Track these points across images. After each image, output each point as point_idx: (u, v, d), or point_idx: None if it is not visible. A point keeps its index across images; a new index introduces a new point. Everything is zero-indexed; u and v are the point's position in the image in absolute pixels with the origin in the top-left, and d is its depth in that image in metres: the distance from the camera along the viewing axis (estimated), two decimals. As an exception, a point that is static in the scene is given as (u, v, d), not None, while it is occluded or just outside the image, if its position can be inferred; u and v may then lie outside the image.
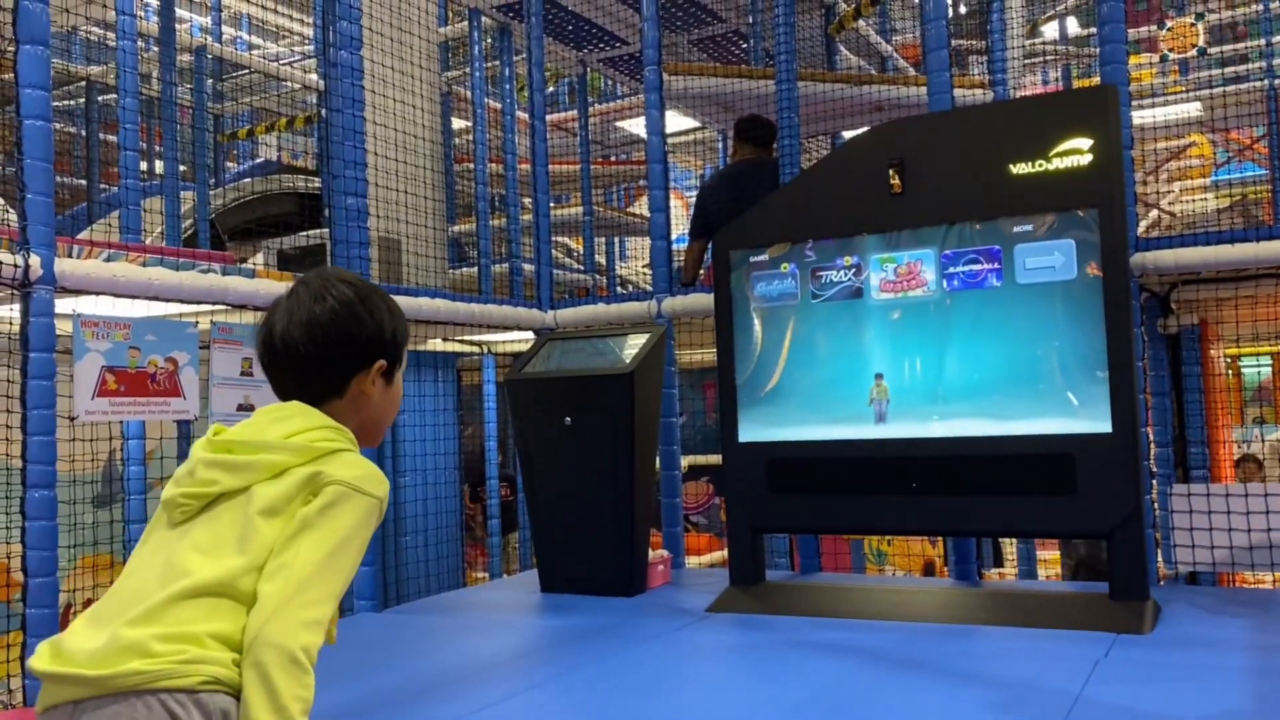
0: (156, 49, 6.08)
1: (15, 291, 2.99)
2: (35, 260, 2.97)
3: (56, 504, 3.01)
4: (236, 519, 1.52)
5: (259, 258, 6.23)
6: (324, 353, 1.64)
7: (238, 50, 8.47)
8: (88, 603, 5.03)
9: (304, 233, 6.14)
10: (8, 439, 3.27)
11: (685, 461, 6.07)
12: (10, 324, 3.20)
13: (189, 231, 5.91)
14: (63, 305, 3.15)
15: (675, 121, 6.82)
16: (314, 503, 1.52)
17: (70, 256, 3.14)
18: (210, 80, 6.80)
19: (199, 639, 1.43)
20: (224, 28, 8.52)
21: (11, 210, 4.37)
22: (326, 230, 5.69)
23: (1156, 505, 3.88)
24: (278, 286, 3.66)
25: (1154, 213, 8.16)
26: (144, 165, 6.72)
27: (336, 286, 1.67)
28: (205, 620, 1.45)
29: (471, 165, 6.45)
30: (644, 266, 10.56)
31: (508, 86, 5.95)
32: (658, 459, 4.39)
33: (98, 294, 3.20)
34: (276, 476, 1.54)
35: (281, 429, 1.59)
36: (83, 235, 5.87)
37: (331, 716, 2.53)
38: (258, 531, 1.50)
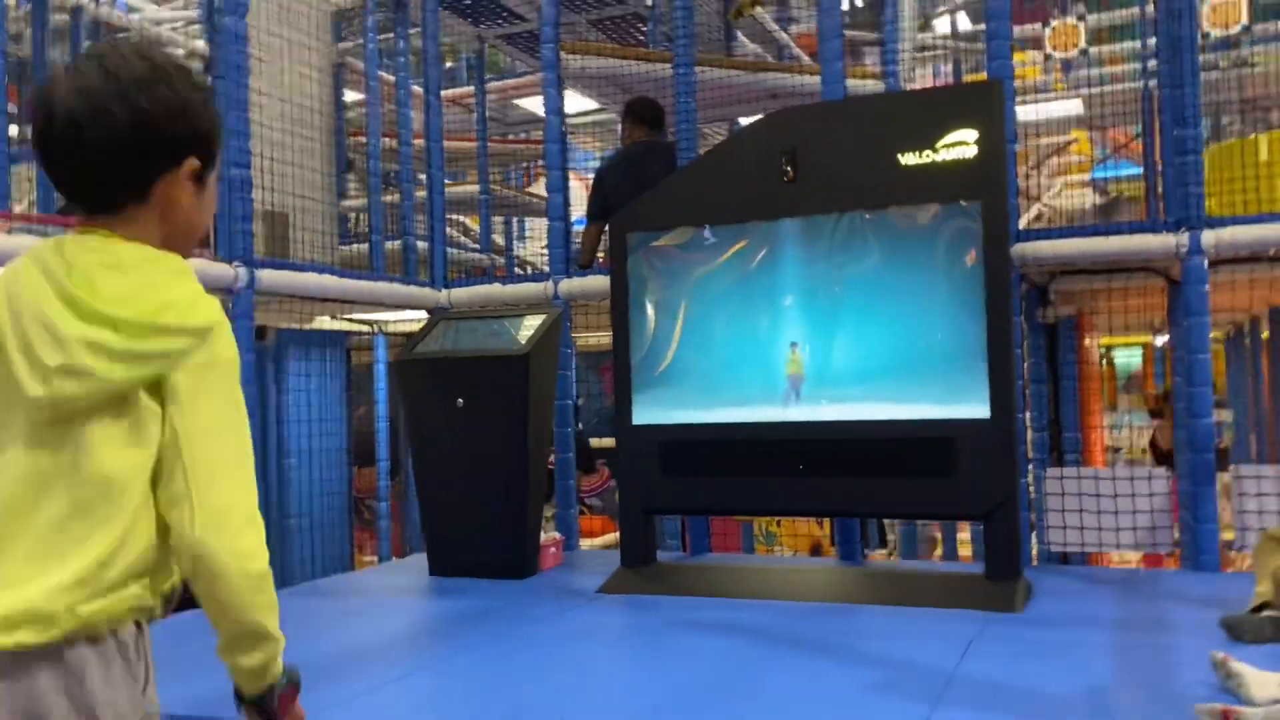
0: (29, 7, 5.76)
1: None
2: (-114, 226, 2.79)
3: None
4: (119, 406, 1.29)
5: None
6: (121, 145, 1.31)
7: (118, 11, 8.09)
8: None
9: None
10: None
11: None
12: None
13: (62, 201, 5.63)
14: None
15: (576, 102, 6.78)
16: (191, 377, 1.29)
17: (-74, 223, 2.96)
18: (88, 44, 6.46)
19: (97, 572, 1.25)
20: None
21: None
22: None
23: (1032, 489, 4.04)
24: (155, 259, 3.52)
25: (1036, 207, 8.44)
26: (14, 131, 6.37)
27: (132, 62, 1.32)
28: (101, 540, 1.26)
29: (364, 139, 6.30)
30: (543, 248, 10.46)
31: (402, 60, 5.82)
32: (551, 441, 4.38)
33: (-43, 263, 3.02)
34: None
35: (154, 296, 1.30)
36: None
37: (212, 701, 2.45)
38: (149, 415, 1.29)
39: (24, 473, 1.28)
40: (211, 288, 3.75)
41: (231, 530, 1.28)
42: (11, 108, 5.63)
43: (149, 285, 1.32)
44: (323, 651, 2.98)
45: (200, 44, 6.85)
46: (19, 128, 6.79)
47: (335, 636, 3.19)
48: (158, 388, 1.29)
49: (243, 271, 3.81)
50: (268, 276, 3.93)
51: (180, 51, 7.30)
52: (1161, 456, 6.27)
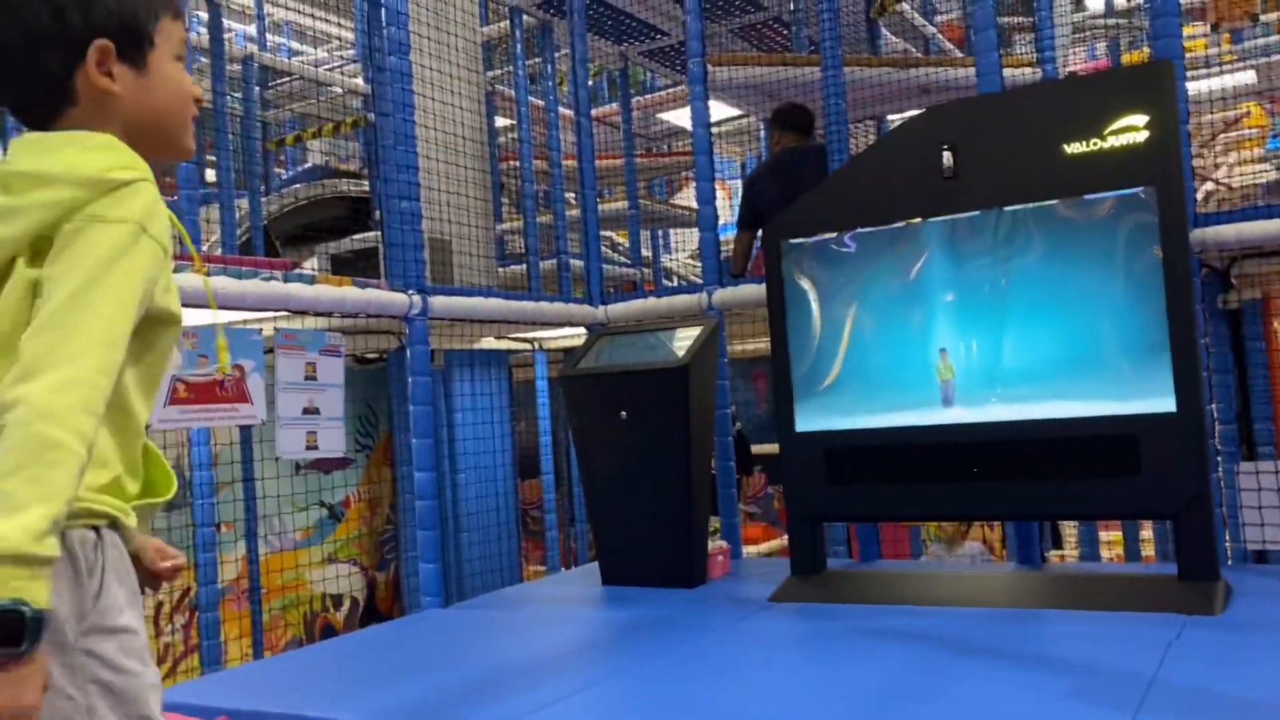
0: (204, 60, 6.18)
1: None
2: (105, 274, 3.05)
3: (133, 510, 3.10)
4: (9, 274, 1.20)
5: (312, 262, 6.33)
6: (4, 55, 1.25)
7: (280, 57, 8.59)
8: (159, 606, 5.16)
9: (355, 236, 6.22)
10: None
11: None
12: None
13: (243, 238, 6.02)
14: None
15: (717, 110, 6.81)
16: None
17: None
18: (258, 88, 6.90)
19: None
20: (267, 35, 8.64)
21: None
22: (377, 233, 5.78)
23: (1222, 484, 3.84)
24: (338, 293, 3.73)
25: (1208, 185, 8.01)
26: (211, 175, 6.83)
27: None
28: None
29: (516, 163, 6.50)
30: (688, 257, 10.56)
31: (550, 83, 5.98)
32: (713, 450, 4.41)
33: (165, 305, 3.28)
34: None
35: (60, 159, 1.23)
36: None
37: (404, 713, 2.59)
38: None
39: None
40: (387, 315, 3.95)
41: (43, 382, 1.09)
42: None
43: (60, 154, 1.24)
44: (509, 661, 3.09)
45: (359, 82, 7.20)
46: (200, 172, 7.29)
47: (519, 646, 3.31)
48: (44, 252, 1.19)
49: (417, 299, 3.99)
50: (439, 302, 4.11)
51: (340, 91, 7.70)
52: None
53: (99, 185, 1.19)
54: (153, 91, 1.32)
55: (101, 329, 1.14)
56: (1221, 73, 6.66)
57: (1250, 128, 8.63)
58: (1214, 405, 3.95)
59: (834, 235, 3.67)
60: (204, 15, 6.00)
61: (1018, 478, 3.35)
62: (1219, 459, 3.89)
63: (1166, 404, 3.12)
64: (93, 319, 1.14)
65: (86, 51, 1.26)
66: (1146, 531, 5.58)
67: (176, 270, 3.30)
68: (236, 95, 6.89)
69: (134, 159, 1.27)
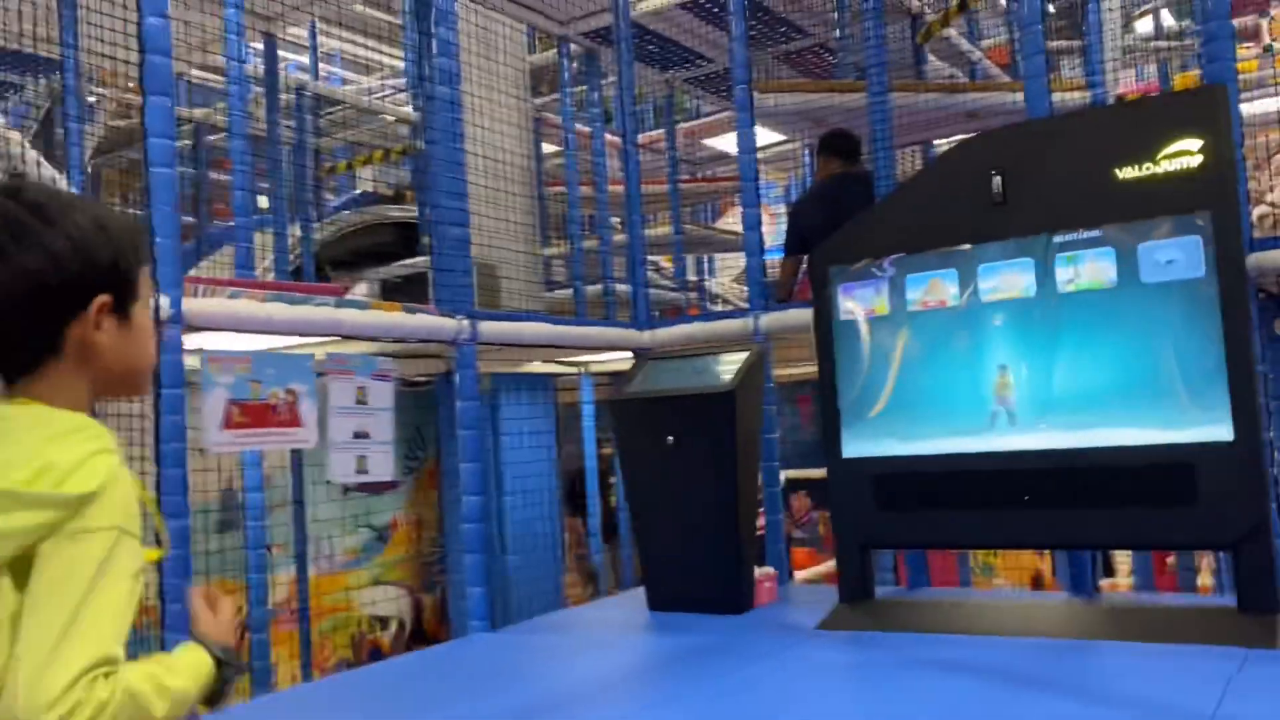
0: (259, 89, 6.32)
1: (147, 331, 3.14)
2: (165, 301, 3.12)
3: (189, 533, 3.15)
4: None
5: (361, 288, 6.42)
6: (12, 306, 1.21)
7: (331, 85, 8.75)
8: (211, 625, 5.23)
9: (404, 262, 6.30)
10: (141, 471, 3.42)
11: (782, 476, 6.06)
12: (143, 362, 3.35)
13: (295, 263, 6.12)
14: (188, 341, 3.30)
15: (762, 136, 6.82)
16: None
17: (195, 296, 3.28)
18: (310, 117, 7.03)
19: None
20: (320, 65, 8.80)
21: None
22: (425, 258, 5.85)
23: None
24: (389, 318, 3.78)
25: (1261, 207, 7.87)
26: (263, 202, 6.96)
27: (5, 210, 1.22)
28: None
29: (562, 189, 6.55)
30: (732, 281, 10.56)
31: (596, 110, 6.04)
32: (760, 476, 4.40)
33: (221, 330, 3.34)
34: None
35: (34, 459, 1.18)
36: (193, 272, 6.12)
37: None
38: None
39: None
40: (436, 340, 4.00)
41: (48, 697, 1.10)
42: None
43: (31, 449, 1.20)
44: (558, 687, 3.10)
45: (409, 110, 7.31)
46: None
47: (568, 672, 3.31)
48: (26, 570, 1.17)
49: (465, 324, 4.03)
50: (488, 327, 4.15)
51: (390, 119, 7.82)
52: None
53: (81, 503, 1.18)
54: (132, 343, 1.31)
55: (98, 626, 1.15)
56: (1278, 92, 6.55)
57: (1305, 149, 8.47)
58: (1272, 433, 3.87)
59: (882, 260, 3.66)
60: (259, 46, 6.13)
61: (1071, 506, 3.30)
62: (1278, 489, 3.81)
63: (1224, 432, 3.07)
64: (89, 618, 1.15)
65: (87, 304, 1.24)
66: (1205, 559, 5.46)
67: (232, 296, 3.37)
68: (290, 124, 7.03)
69: (99, 433, 1.25)
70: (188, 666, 1.29)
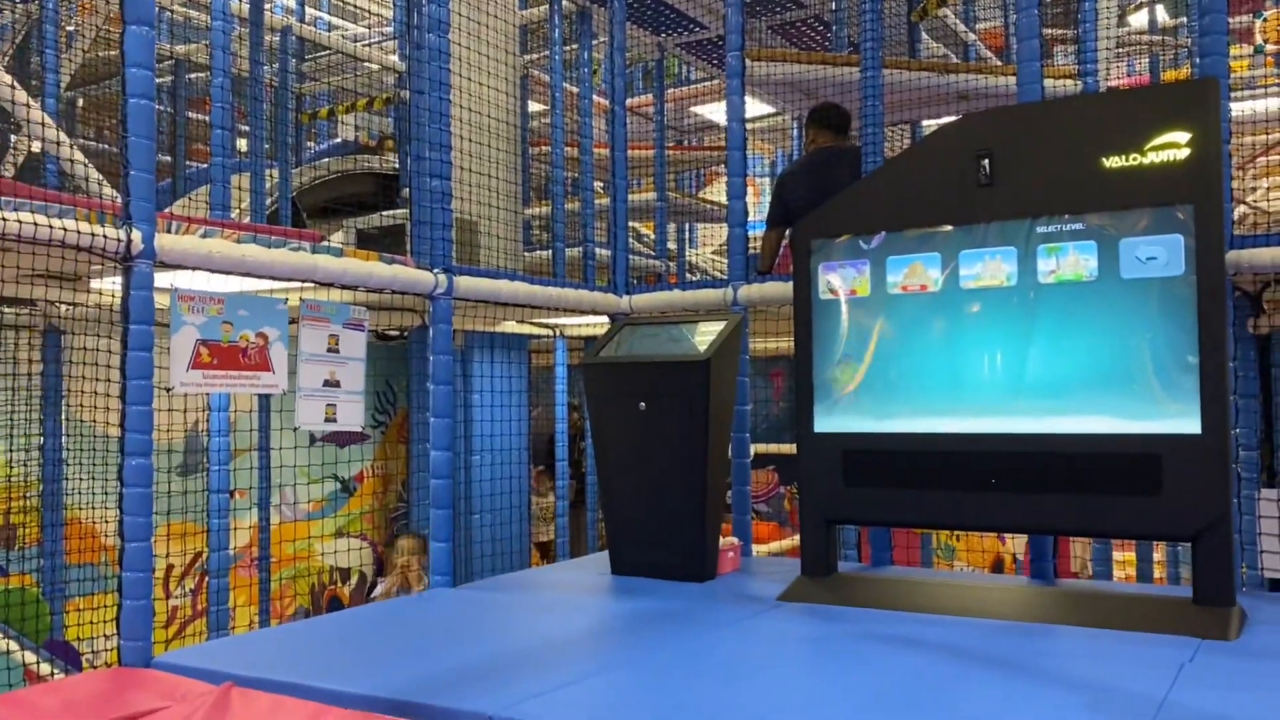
0: (240, 29, 6.19)
1: (117, 265, 3.09)
2: (136, 235, 3.06)
3: (152, 471, 3.11)
4: None
5: (339, 236, 6.34)
6: None
7: (318, 30, 8.59)
8: (169, 569, 5.20)
9: (383, 213, 6.23)
10: (106, 407, 3.38)
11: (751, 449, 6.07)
12: (111, 296, 3.30)
13: (272, 209, 6.04)
14: (160, 279, 3.24)
15: (750, 107, 6.77)
16: None
17: (168, 232, 3.23)
18: (294, 60, 6.91)
19: None
20: (306, 8, 8.64)
21: (107, 185, 4.52)
22: (405, 211, 5.78)
23: (1240, 510, 3.80)
24: (365, 266, 3.73)
25: (1241, 208, 7.92)
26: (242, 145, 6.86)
27: None
28: None
29: (545, 149, 6.49)
30: (713, 253, 10.53)
31: (585, 70, 5.97)
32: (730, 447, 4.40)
33: (194, 269, 3.29)
34: None
35: None
36: (168, 210, 6.02)
37: (411, 689, 2.59)
38: None
39: None
40: (412, 292, 3.96)
41: None
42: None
43: None
44: (516, 644, 3.10)
45: (395, 59, 7.20)
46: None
47: (527, 630, 3.31)
48: None
49: (443, 278, 3.99)
50: (465, 283, 4.11)
51: (375, 67, 7.70)
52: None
53: None
54: None
55: None
56: (1267, 94, 6.59)
57: (1288, 153, 8.53)
58: (1237, 430, 3.91)
59: (864, 237, 3.65)
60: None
61: (1036, 490, 3.33)
62: (1240, 484, 3.85)
63: (1192, 425, 3.09)
64: None
65: None
66: (1159, 554, 5.54)
67: (205, 235, 3.31)
68: (273, 66, 6.91)
69: None
70: None
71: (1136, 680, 2.55)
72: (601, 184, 6.96)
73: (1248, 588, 3.79)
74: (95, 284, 3.92)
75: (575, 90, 6.19)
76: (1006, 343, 3.40)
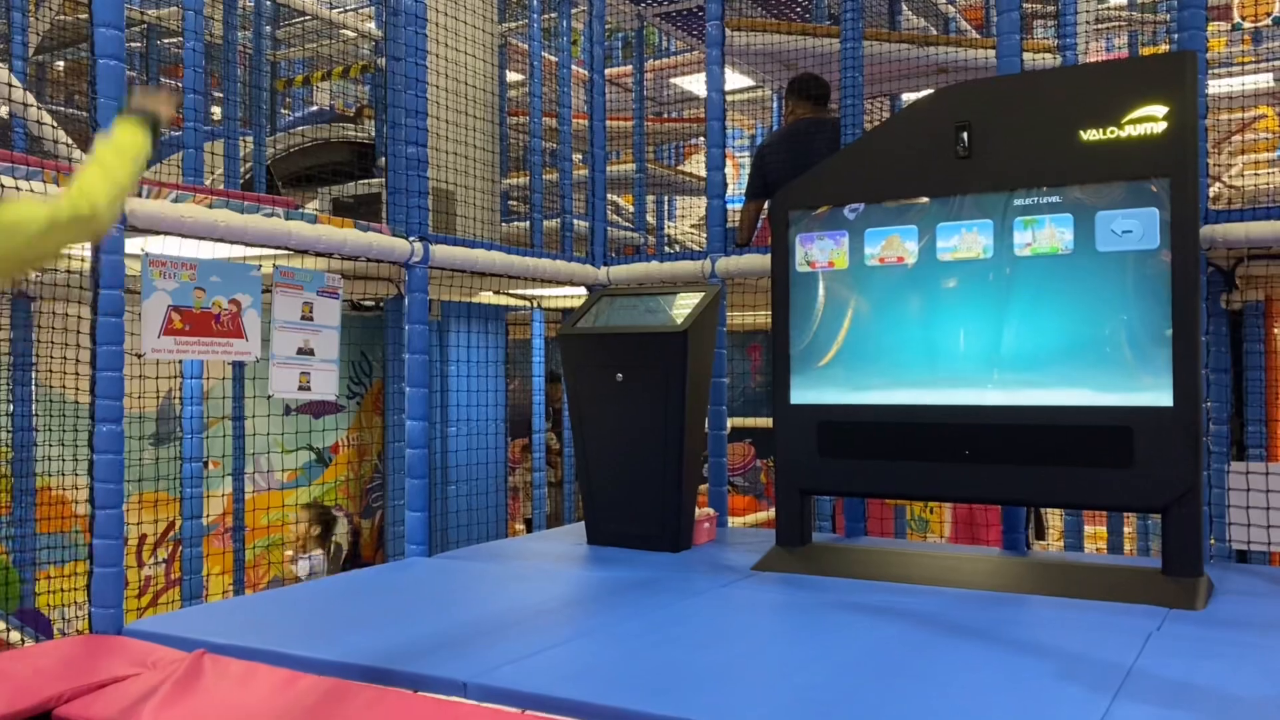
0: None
1: (86, 229, 3.04)
2: (106, 199, 3.00)
3: (123, 438, 3.08)
4: None
5: (314, 204, 6.28)
6: None
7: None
8: (142, 539, 5.17)
9: (360, 181, 6.17)
10: (76, 374, 3.34)
11: (729, 423, 6.08)
12: (81, 261, 3.25)
13: (246, 176, 5.96)
14: (131, 245, 3.20)
15: (730, 80, 6.73)
16: None
17: (139, 196, 3.18)
18: (269, 26, 6.80)
19: None
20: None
21: (78, 149, 4.44)
22: (381, 180, 5.73)
23: (1210, 482, 3.84)
24: (340, 234, 3.69)
25: (1216, 185, 7.98)
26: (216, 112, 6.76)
27: None
28: None
29: (524, 118, 6.43)
30: (691, 226, 10.50)
31: (564, 39, 5.91)
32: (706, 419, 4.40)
33: (165, 234, 3.24)
34: None
35: None
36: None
37: (385, 656, 2.59)
38: None
39: None
40: (387, 260, 3.92)
41: None
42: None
43: None
44: (491, 612, 3.10)
45: (372, 27, 7.11)
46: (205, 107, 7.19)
47: (502, 598, 3.31)
48: None
49: (418, 246, 3.96)
50: (441, 251, 4.08)
51: (352, 34, 7.61)
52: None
53: None
54: None
55: None
56: (1244, 72, 6.62)
57: (1264, 131, 8.60)
58: (1208, 404, 3.95)
59: (842, 208, 3.65)
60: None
61: (1009, 462, 3.35)
62: (1209, 457, 3.89)
63: (1164, 398, 3.12)
64: None
65: None
66: (1130, 526, 5.60)
67: (177, 200, 3.27)
68: (247, 32, 6.80)
69: None
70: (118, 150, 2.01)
71: (1105, 648, 2.58)
72: (580, 155, 6.91)
73: (1216, 559, 3.84)
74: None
75: (554, 59, 6.13)
76: (982, 315, 3.42)
